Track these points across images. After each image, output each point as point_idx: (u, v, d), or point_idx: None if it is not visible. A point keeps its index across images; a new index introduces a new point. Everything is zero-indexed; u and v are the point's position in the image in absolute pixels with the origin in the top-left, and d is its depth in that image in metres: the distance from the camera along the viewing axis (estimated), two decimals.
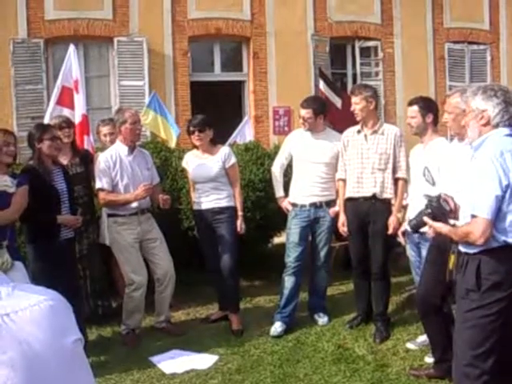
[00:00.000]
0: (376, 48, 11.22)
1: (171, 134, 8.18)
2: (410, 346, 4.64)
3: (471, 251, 2.88)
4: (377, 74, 11.25)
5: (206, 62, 10.84)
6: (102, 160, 4.85)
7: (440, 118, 4.43)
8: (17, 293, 1.57)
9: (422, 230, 4.37)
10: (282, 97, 10.59)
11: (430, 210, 3.16)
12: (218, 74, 10.76)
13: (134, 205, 4.83)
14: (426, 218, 3.16)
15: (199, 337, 4.96)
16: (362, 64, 11.13)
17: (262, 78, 10.66)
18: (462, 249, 2.98)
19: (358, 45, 11.05)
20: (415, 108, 4.41)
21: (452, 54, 11.41)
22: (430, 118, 4.39)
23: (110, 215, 4.94)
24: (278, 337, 4.90)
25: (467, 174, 2.97)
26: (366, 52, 11.24)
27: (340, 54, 11.25)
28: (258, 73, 10.64)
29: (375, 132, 4.80)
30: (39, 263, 4.34)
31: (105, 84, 10.03)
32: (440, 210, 3.12)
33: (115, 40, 9.77)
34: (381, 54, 11.17)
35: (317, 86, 10.06)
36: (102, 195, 4.86)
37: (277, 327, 4.98)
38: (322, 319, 5.19)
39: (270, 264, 6.53)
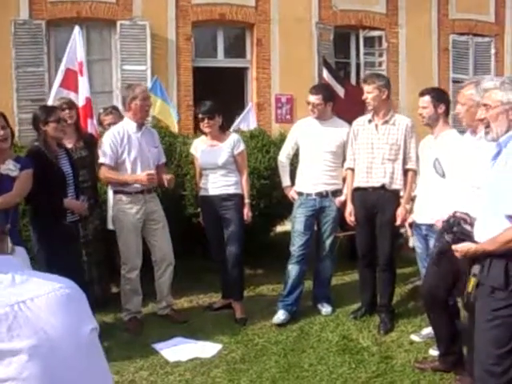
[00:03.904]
0: (380, 38, 11.14)
1: (172, 120, 8.13)
2: (414, 338, 4.61)
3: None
4: (380, 64, 11.17)
5: (209, 47, 10.75)
6: (109, 136, 4.80)
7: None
8: (31, 279, 1.53)
9: (430, 222, 4.36)
10: (285, 85, 10.52)
11: (451, 236, 3.03)
12: (220, 60, 10.67)
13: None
14: (454, 246, 3.01)
15: (202, 325, 4.93)
16: (365, 54, 11.05)
17: (265, 66, 10.58)
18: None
19: (362, 34, 10.96)
20: (427, 98, 4.35)
21: (456, 46, 11.34)
22: (441, 109, 4.34)
23: (115, 192, 4.89)
24: (281, 325, 4.87)
25: (493, 170, 2.88)
26: (370, 42, 11.17)
27: (344, 43, 11.17)
28: (261, 60, 10.56)
29: (386, 122, 4.74)
30: (44, 246, 4.30)
31: (106, 68, 9.91)
32: (464, 232, 3.00)
33: (118, 23, 9.65)
34: (385, 44, 11.09)
35: (320, 74, 9.98)
36: (102, 170, 4.81)
37: (280, 315, 4.95)
38: (326, 309, 5.16)
39: (272, 253, 6.49)
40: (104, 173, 4.81)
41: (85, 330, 1.59)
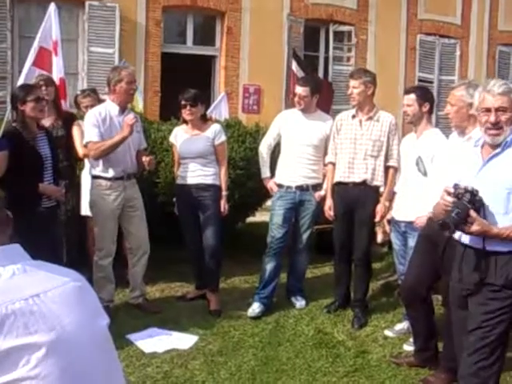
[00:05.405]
0: (350, 33, 11.22)
1: (138, 106, 8.01)
2: (388, 333, 4.65)
3: (504, 249, 2.84)
4: (348, 59, 11.26)
5: (179, 33, 10.58)
6: (91, 115, 4.63)
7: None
8: (41, 270, 1.44)
9: (409, 219, 4.38)
10: (253, 75, 10.49)
11: (471, 205, 2.78)
12: (189, 47, 10.53)
13: (120, 168, 4.66)
14: (473, 212, 2.78)
15: (176, 315, 4.84)
16: (334, 48, 11.13)
17: (234, 55, 10.51)
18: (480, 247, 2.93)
19: (332, 28, 11.01)
20: (412, 96, 4.37)
21: (423, 46, 11.53)
22: (426, 108, 4.36)
23: (94, 177, 4.73)
24: (257, 318, 4.84)
25: (496, 169, 2.90)
26: (339, 36, 11.24)
27: (314, 37, 11.20)
28: (231, 49, 10.49)
29: (370, 118, 4.74)
30: (19, 234, 4.10)
31: (73, 49, 9.63)
32: (481, 202, 2.81)
33: (87, 4, 9.42)
34: (354, 40, 11.17)
35: (289, 66, 9.98)
36: (90, 146, 4.60)
37: (255, 308, 4.92)
38: (300, 302, 5.16)
39: (242, 243, 6.46)
40: (92, 147, 4.59)
41: (100, 324, 1.52)
